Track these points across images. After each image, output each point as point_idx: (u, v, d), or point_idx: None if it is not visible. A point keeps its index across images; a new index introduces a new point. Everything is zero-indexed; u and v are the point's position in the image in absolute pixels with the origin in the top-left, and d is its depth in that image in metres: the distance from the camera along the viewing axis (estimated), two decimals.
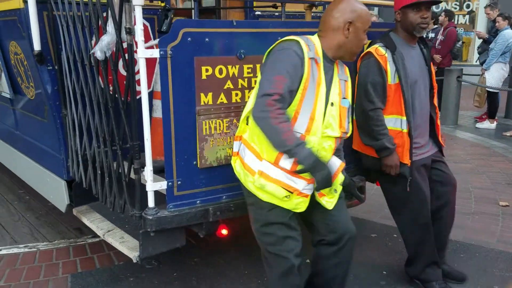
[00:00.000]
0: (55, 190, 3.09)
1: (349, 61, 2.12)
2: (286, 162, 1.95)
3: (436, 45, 7.62)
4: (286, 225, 2.07)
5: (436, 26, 8.14)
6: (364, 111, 2.55)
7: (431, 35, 8.03)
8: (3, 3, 2.89)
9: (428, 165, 2.74)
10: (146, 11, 2.87)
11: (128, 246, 2.56)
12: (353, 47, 1.99)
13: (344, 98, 2.07)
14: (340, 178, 2.14)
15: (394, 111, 2.56)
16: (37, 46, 2.63)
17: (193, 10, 2.93)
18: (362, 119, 2.59)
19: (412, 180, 2.59)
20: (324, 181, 1.86)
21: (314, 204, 2.12)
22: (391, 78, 2.52)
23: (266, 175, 1.97)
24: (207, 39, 2.23)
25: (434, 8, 13.65)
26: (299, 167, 1.91)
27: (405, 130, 2.56)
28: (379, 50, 2.53)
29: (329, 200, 2.11)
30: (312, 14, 2.96)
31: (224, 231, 2.54)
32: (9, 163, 4.02)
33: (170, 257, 3.03)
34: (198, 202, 2.39)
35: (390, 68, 2.51)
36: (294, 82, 1.86)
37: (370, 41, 2.67)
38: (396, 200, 2.74)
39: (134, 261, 2.49)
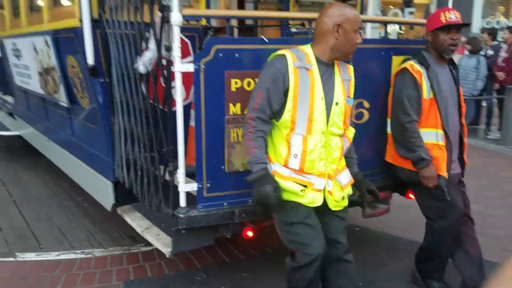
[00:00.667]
0: (102, 191, 3.42)
1: (345, 59, 2.25)
2: (294, 163, 2.14)
3: (499, 62, 7.40)
4: (307, 224, 2.22)
5: (495, 43, 7.91)
6: (400, 124, 2.67)
7: (490, 52, 7.81)
8: (63, 22, 3.29)
9: (458, 181, 2.81)
10: (187, 29, 3.18)
11: (162, 243, 2.81)
12: (346, 47, 2.14)
13: (348, 97, 2.23)
14: (348, 190, 2.30)
15: (429, 124, 2.66)
16: (90, 61, 2.98)
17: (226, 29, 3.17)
18: (399, 132, 2.71)
19: (449, 192, 2.66)
20: (258, 194, 2.06)
21: (321, 210, 2.27)
22: (426, 92, 2.63)
23: (280, 174, 2.17)
24: (236, 55, 2.45)
25: (494, 24, 13.28)
26: (249, 178, 2.12)
27: (442, 143, 2.65)
28: (414, 66, 2.66)
29: (332, 201, 2.24)
30: None
31: (250, 233, 2.73)
32: (65, 166, 4.44)
33: (218, 270, 3.20)
34: (225, 204, 2.59)
35: (425, 83, 2.63)
36: (274, 95, 2.09)
37: (404, 57, 2.80)
38: (431, 212, 2.80)
39: (167, 256, 2.73)
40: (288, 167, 2.16)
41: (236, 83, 2.47)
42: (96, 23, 2.95)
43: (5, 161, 6.03)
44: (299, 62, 2.10)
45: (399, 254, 3.46)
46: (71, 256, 3.43)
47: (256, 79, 2.49)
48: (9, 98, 6.14)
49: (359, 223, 3.88)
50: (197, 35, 3.39)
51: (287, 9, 3.93)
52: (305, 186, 2.17)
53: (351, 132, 2.35)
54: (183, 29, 2.94)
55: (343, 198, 2.30)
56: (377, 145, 3.07)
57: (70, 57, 3.36)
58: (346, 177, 2.33)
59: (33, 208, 4.35)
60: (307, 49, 2.18)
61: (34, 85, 4.41)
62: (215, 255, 3.42)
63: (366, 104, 3.01)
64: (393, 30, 13.36)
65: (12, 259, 3.37)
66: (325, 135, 2.16)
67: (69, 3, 3.32)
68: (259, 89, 2.13)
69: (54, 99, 3.97)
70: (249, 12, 4.28)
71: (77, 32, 3.04)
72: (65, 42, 3.37)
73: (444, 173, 2.63)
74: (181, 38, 2.74)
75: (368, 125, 3.01)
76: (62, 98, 3.72)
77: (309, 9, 4.10)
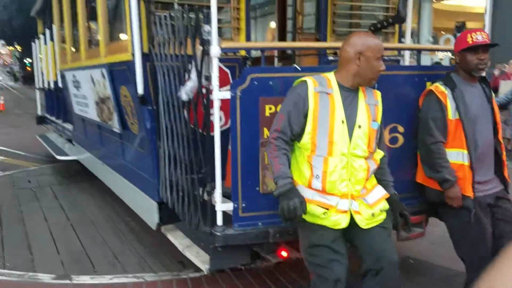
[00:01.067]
0: (148, 210, 3.66)
1: (369, 85, 2.35)
2: (316, 184, 2.24)
3: None
4: (330, 248, 2.27)
5: None
6: (426, 145, 2.74)
7: None
8: (118, 56, 3.63)
9: (492, 203, 2.79)
10: (228, 60, 3.41)
11: (201, 260, 2.98)
12: (367, 74, 2.25)
13: (374, 120, 2.32)
14: (382, 205, 2.34)
15: (456, 145, 2.71)
16: (140, 90, 3.28)
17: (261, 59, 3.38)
18: (424, 152, 2.78)
19: (475, 214, 2.67)
20: (285, 208, 2.15)
21: (357, 227, 2.33)
22: (452, 113, 2.70)
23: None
24: (271, 82, 2.64)
25: None
26: (275, 192, 2.23)
27: (467, 163, 2.68)
28: (438, 87, 2.75)
29: (363, 219, 2.29)
30: None
31: (284, 253, 2.84)
32: (116, 187, 4.76)
33: None
34: (260, 223, 2.72)
35: (450, 104, 2.70)
36: (294, 118, 2.24)
37: (433, 81, 2.88)
38: (456, 232, 2.80)
39: (205, 272, 2.89)
40: (311, 188, 2.26)
41: (270, 108, 2.64)
42: (146, 57, 3.25)
43: (64, 185, 6.42)
44: (320, 87, 2.24)
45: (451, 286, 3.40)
46: (123, 280, 3.55)
47: None
48: (68, 126, 6.67)
49: (413, 255, 3.86)
50: (238, 65, 3.61)
51: (325, 39, 4.11)
52: (327, 209, 2.24)
53: (379, 154, 2.42)
54: (224, 60, 3.22)
55: (373, 214, 2.31)
56: (412, 168, 3.11)
57: (123, 87, 3.69)
58: (374, 196, 2.36)
59: (89, 231, 4.57)
60: (330, 75, 2.32)
61: (91, 113, 4.82)
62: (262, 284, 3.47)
63: (401, 128, 3.08)
64: (445, 55, 13.18)
65: (68, 281, 3.52)
66: (346, 157, 2.24)
67: (123, 39, 3.67)
68: (282, 112, 2.30)
69: (108, 126, 4.32)
70: (280, 43, 4.53)
71: (130, 65, 3.36)
72: (119, 74, 3.71)
73: (470, 193, 2.65)
74: (221, 68, 3.00)
75: (403, 150, 3.07)
76: (115, 125, 4.05)
77: (344, 38, 4.24)
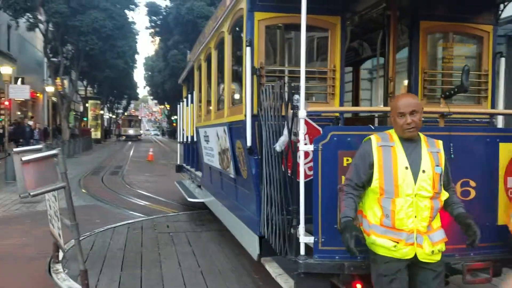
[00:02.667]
0: (251, 242, 4.39)
1: (408, 137, 2.73)
2: (387, 221, 2.72)
3: None
4: (396, 278, 2.73)
5: None
6: None
7: None
8: (235, 116, 4.58)
9: None
10: (323, 120, 4.10)
11: (288, 285, 3.57)
12: (396, 129, 2.76)
13: (437, 165, 2.72)
14: (440, 246, 2.74)
15: None
16: (249, 143, 4.13)
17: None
18: None
19: None
20: (344, 240, 2.69)
21: (415, 266, 2.76)
22: None
23: (375, 233, 2.77)
24: (348, 139, 3.25)
25: None
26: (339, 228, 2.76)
27: None
28: None
29: (423, 253, 2.70)
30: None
31: (359, 286, 3.29)
32: (229, 224, 5.63)
33: None
34: (337, 257, 3.25)
35: None
36: (360, 169, 2.79)
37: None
38: None
39: None
40: (383, 226, 2.76)
41: (347, 160, 3.23)
42: (254, 117, 4.11)
43: (197, 232, 6.98)
44: (383, 142, 2.79)
45: None
46: None
47: None
48: (199, 173, 7.91)
49: None
50: (331, 124, 4.26)
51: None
52: (397, 243, 2.72)
53: (444, 195, 2.80)
54: (319, 120, 3.92)
55: (432, 252, 2.71)
56: (484, 219, 3.38)
57: (237, 141, 4.60)
58: (439, 236, 2.75)
59: (216, 280, 4.86)
60: (392, 131, 2.86)
61: (215, 162, 5.85)
62: None
63: (472, 183, 3.40)
64: None
65: None
66: (411, 197, 2.69)
67: (239, 104, 4.63)
68: (352, 164, 2.91)
69: (226, 172, 5.27)
70: (353, 108, 5.09)
71: (243, 123, 4.26)
72: (235, 130, 4.64)
73: None
74: (314, 126, 3.70)
75: (473, 202, 3.37)
76: (231, 171, 4.97)
77: (434, 101, 4.66)
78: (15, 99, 26.23)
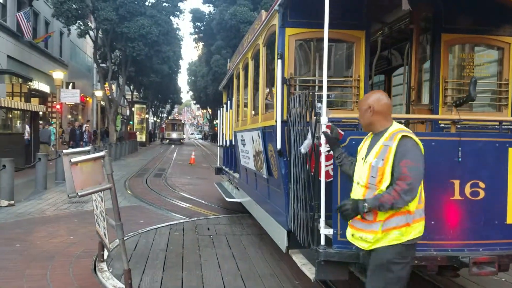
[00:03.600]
0: (280, 236, 4.90)
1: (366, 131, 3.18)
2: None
3: None
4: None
5: None
6: None
7: None
8: (268, 122, 5.12)
9: None
10: (347, 125, 4.55)
11: (311, 272, 4.05)
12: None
13: (381, 159, 2.88)
14: (361, 234, 3.06)
15: None
16: (279, 146, 4.65)
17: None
18: None
19: None
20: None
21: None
22: None
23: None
24: None
25: None
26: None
27: None
28: None
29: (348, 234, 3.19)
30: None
31: None
32: (261, 220, 6.16)
33: None
34: (353, 248, 3.69)
35: None
36: None
37: None
38: None
39: (312, 280, 3.95)
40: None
41: None
42: (284, 123, 4.63)
43: (237, 235, 7.18)
44: (364, 137, 3.23)
45: None
46: None
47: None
48: (236, 175, 8.51)
49: None
50: (355, 129, 4.71)
51: (437, 110, 4.95)
52: None
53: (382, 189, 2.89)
54: (343, 125, 4.38)
55: (352, 235, 3.10)
56: (492, 218, 3.74)
57: (269, 144, 5.13)
58: (361, 225, 2.98)
59: (256, 284, 4.97)
60: None
61: (251, 164, 6.41)
62: None
63: (482, 184, 3.77)
64: None
65: None
66: (355, 185, 3.09)
67: (271, 111, 5.16)
68: None
69: (260, 173, 5.81)
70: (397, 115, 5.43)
71: (274, 128, 4.79)
72: (268, 134, 5.18)
73: None
74: (338, 131, 4.18)
75: (483, 202, 3.74)
76: (264, 172, 5.50)
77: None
78: (66, 103, 28.06)
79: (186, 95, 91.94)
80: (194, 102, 75.67)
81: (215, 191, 10.86)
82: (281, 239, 4.90)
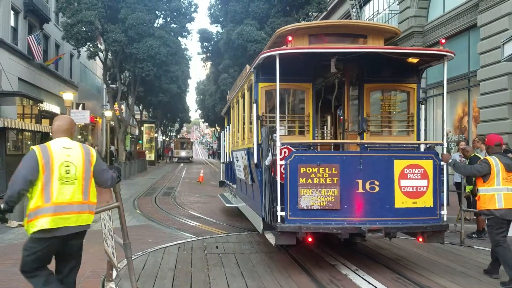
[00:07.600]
0: (257, 222, 7.70)
1: None
2: None
3: None
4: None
5: None
6: None
7: None
8: (249, 144, 7.97)
9: None
10: (300, 145, 7.37)
11: (273, 240, 6.78)
12: None
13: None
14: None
15: None
16: (256, 161, 7.45)
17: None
18: None
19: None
20: None
21: None
22: None
23: None
24: (303, 157, 6.52)
25: None
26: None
27: None
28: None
29: None
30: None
31: (310, 239, 6.54)
32: (248, 214, 9.00)
33: None
34: (297, 223, 6.47)
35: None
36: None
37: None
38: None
39: (273, 244, 6.72)
40: None
41: (303, 168, 6.48)
42: (259, 145, 7.41)
43: (246, 254, 7.79)
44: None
45: None
46: None
47: (314, 169, 6.51)
48: (234, 185, 11.38)
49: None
50: (308, 148, 7.48)
51: (363, 136, 7.74)
52: None
53: None
54: (296, 145, 7.21)
55: None
56: (385, 204, 6.50)
57: (251, 160, 7.96)
58: None
59: None
60: None
61: (242, 175, 9.25)
62: None
63: (377, 182, 6.54)
64: None
65: None
66: None
67: (254, 137, 7.96)
68: None
69: (247, 181, 8.64)
70: (312, 140, 8.25)
71: (253, 149, 7.60)
72: (250, 153, 8.02)
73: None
74: (290, 149, 7.00)
75: (378, 193, 6.51)
76: (249, 180, 8.33)
77: (376, 135, 7.86)
78: (76, 123, 30.96)
79: (194, 113, 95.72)
80: (203, 120, 78.88)
81: (224, 209, 12.65)
82: (258, 224, 7.70)
